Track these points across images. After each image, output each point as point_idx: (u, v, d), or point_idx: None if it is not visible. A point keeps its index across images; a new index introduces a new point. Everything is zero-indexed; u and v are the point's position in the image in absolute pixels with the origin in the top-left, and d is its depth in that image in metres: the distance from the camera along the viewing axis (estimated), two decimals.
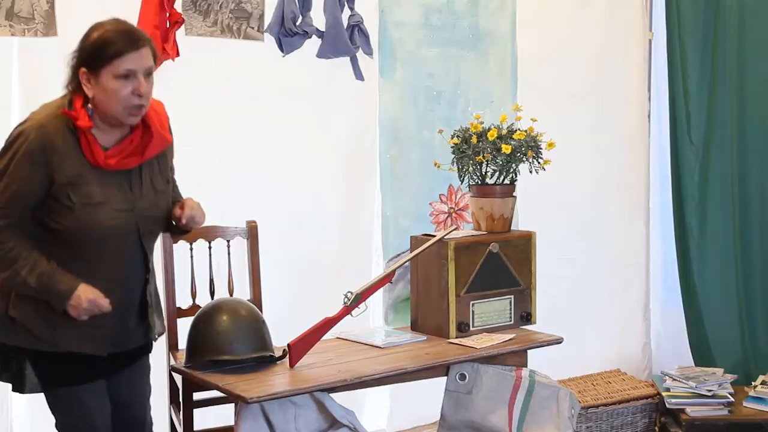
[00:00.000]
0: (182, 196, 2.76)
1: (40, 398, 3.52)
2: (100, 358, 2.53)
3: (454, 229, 3.27)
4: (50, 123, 2.39)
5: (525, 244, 3.31)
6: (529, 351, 3.16)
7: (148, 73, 2.42)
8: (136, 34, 2.41)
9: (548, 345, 3.18)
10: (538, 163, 3.33)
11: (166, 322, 2.93)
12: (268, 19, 3.83)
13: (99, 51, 2.37)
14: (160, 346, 3.03)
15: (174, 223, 2.65)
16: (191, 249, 3.34)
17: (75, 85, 2.43)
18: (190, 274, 3.34)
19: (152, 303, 2.63)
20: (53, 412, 2.56)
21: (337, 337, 3.17)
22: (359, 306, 2.92)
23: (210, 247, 3.40)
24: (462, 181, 3.42)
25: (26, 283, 2.38)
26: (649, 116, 4.87)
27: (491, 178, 3.35)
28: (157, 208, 2.57)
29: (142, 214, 2.51)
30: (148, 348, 2.74)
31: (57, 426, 2.58)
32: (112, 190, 2.46)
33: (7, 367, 2.53)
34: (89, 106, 2.41)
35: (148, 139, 2.50)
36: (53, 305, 2.41)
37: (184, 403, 3.14)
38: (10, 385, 3.54)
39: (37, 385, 2.52)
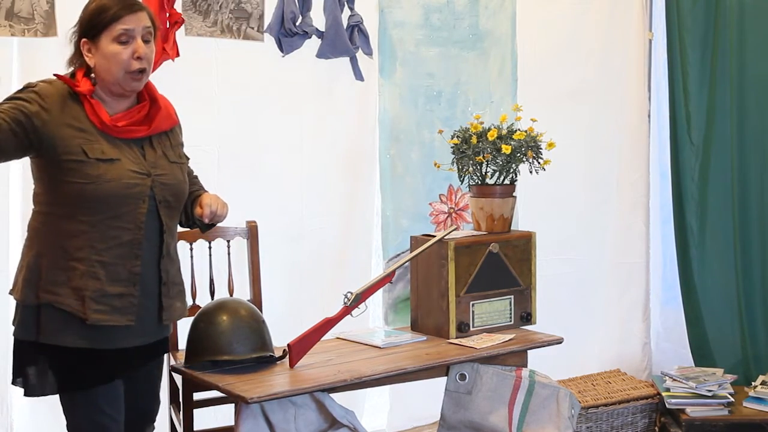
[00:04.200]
0: (203, 188, 2.79)
1: (39, 398, 3.53)
2: (119, 356, 2.48)
3: (454, 229, 3.27)
4: (54, 84, 2.44)
5: (525, 244, 3.31)
6: (529, 351, 3.16)
7: (147, 38, 2.46)
8: (132, 0, 2.46)
9: (548, 345, 3.18)
10: (538, 163, 3.33)
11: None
12: (268, 19, 3.83)
13: (97, 17, 2.42)
14: None
15: (199, 220, 2.69)
16: (191, 249, 3.34)
17: (77, 59, 2.48)
18: (190, 275, 3.33)
19: (168, 281, 2.55)
20: (66, 415, 2.52)
21: (337, 337, 3.18)
22: (359, 306, 2.92)
23: (210, 247, 3.41)
24: (462, 181, 3.42)
25: None
26: (649, 116, 4.87)
27: (491, 178, 3.35)
28: (173, 177, 2.55)
29: (157, 180, 2.49)
30: (163, 347, 2.69)
31: (68, 428, 2.54)
32: (125, 151, 2.46)
33: (26, 369, 2.48)
34: (92, 76, 2.45)
35: (155, 112, 2.54)
36: None
37: (184, 403, 3.14)
38: (10, 385, 3.56)
39: (53, 386, 2.46)
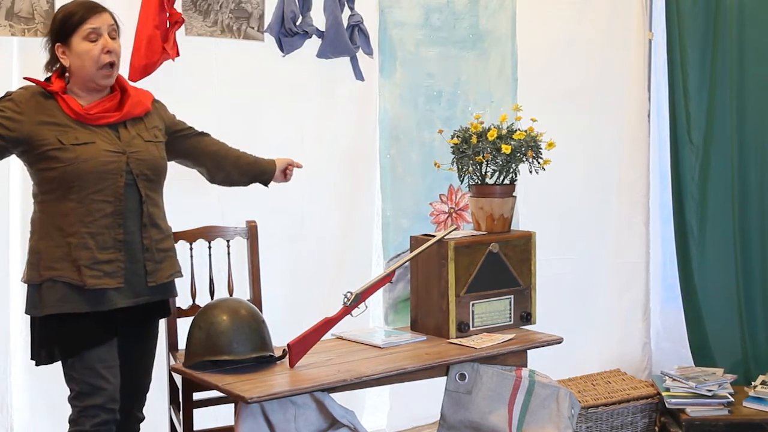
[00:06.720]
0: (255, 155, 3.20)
1: (39, 398, 3.54)
2: (116, 316, 2.73)
3: (454, 229, 3.26)
4: (29, 88, 2.72)
5: (525, 244, 3.31)
6: (529, 351, 3.16)
7: (113, 35, 2.75)
8: (94, 3, 2.75)
9: (548, 345, 3.18)
10: (538, 163, 3.33)
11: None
12: (268, 19, 3.83)
13: (67, 22, 2.70)
14: (160, 346, 3.04)
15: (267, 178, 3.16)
16: (191, 249, 3.34)
17: (52, 64, 2.76)
18: (190, 274, 3.34)
19: (151, 247, 2.78)
20: (68, 383, 2.72)
21: (337, 337, 3.17)
22: (359, 306, 2.92)
23: (210, 247, 3.41)
24: (462, 181, 3.42)
25: None
26: (648, 116, 4.87)
27: (491, 178, 3.35)
28: (148, 153, 2.80)
29: (133, 156, 2.75)
30: (162, 309, 2.94)
31: (70, 397, 2.72)
32: (100, 134, 2.72)
33: (36, 341, 2.74)
34: (66, 75, 2.73)
35: (126, 99, 2.81)
36: None
37: (184, 403, 3.14)
38: (10, 385, 3.57)
39: (59, 353, 2.70)
